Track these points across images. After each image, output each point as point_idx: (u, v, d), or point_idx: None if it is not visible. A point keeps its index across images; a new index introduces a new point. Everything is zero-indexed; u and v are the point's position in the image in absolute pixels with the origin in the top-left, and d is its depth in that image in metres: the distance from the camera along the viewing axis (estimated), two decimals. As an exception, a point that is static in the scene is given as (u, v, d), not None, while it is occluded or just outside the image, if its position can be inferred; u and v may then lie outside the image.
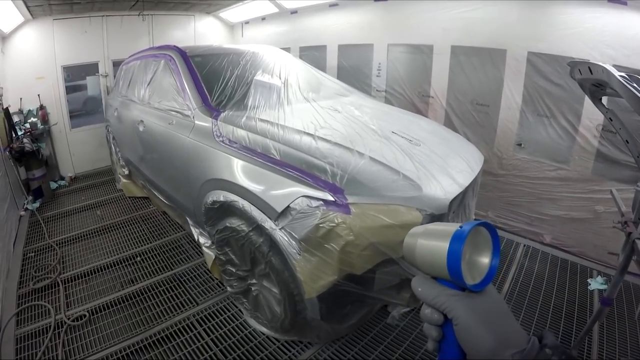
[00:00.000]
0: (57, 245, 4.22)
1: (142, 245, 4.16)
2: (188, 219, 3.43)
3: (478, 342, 0.62)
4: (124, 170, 5.22)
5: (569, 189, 3.88)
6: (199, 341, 2.82)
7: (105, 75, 6.87)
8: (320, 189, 2.13)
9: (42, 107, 6.20)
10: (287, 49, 5.99)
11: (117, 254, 4.00)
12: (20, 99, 5.99)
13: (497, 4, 4.06)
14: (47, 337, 2.88)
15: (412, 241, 0.73)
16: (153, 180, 4.07)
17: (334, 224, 2.01)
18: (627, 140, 2.12)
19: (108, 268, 3.77)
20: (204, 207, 2.83)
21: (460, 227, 0.66)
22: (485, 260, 0.71)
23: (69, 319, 3.05)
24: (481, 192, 3.58)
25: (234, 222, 2.58)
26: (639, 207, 2.09)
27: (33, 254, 4.12)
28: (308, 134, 2.60)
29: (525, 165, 4.15)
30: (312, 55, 6.37)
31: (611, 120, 2.20)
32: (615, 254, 2.80)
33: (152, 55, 4.23)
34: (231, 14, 7.81)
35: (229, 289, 3.03)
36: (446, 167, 2.52)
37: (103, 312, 3.16)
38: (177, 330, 2.93)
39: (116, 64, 6.53)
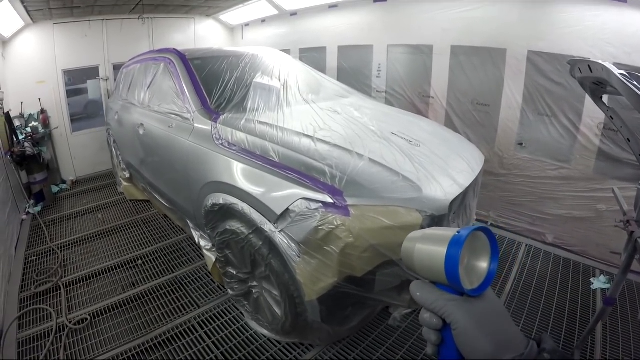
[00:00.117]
0: (58, 248, 4.23)
1: (143, 248, 4.16)
2: (189, 221, 3.43)
3: (477, 347, 0.62)
4: (125, 173, 5.23)
5: (570, 188, 3.86)
6: (201, 344, 2.81)
7: (106, 79, 6.88)
8: (319, 191, 2.13)
9: (43, 111, 6.21)
10: (287, 51, 6.01)
11: (119, 257, 4.00)
12: (21, 103, 6.00)
13: (497, 4, 4.05)
14: (49, 340, 2.88)
15: (411, 246, 0.73)
16: (154, 183, 4.08)
17: (333, 226, 2.01)
18: (628, 139, 2.11)
19: (109, 271, 3.78)
20: (204, 210, 2.83)
21: (458, 232, 0.66)
22: (483, 265, 0.71)
23: (70, 322, 3.06)
24: (482, 192, 3.57)
25: (234, 225, 2.58)
26: (641, 205, 2.08)
27: (35, 257, 4.12)
28: (307, 136, 2.60)
29: (526, 164, 4.13)
30: (312, 56, 6.37)
31: (612, 118, 2.18)
32: (617, 253, 2.79)
33: (152, 59, 4.23)
34: (231, 16, 7.81)
35: (229, 291, 3.03)
36: (446, 168, 2.51)
37: (105, 316, 3.16)
38: (178, 333, 2.92)
39: (116, 68, 6.54)
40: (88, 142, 6.88)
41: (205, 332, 2.92)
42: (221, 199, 2.61)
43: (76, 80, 6.95)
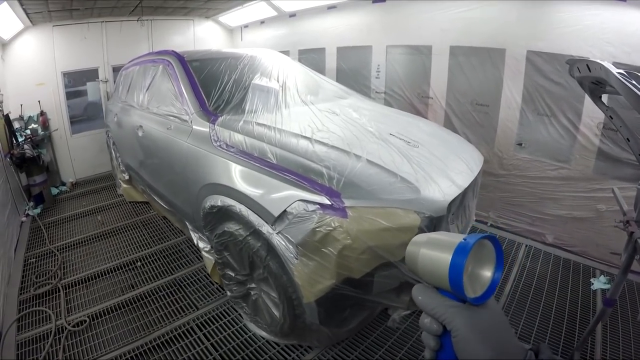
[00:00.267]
0: (58, 250, 4.23)
1: (142, 250, 4.16)
2: (187, 223, 3.43)
3: (475, 355, 0.62)
4: (124, 175, 5.23)
5: (570, 188, 3.85)
6: (199, 345, 2.81)
7: (105, 81, 6.89)
8: (316, 192, 2.12)
9: (42, 113, 6.22)
10: (286, 52, 6.02)
11: (118, 259, 4.00)
12: (21, 105, 6.01)
13: (496, 4, 4.04)
14: (48, 342, 2.88)
15: (415, 250, 0.72)
16: (153, 185, 4.07)
17: (330, 228, 2.00)
18: (628, 138, 2.10)
19: (108, 273, 3.78)
20: (203, 212, 2.82)
21: (465, 239, 0.65)
22: (487, 273, 0.70)
23: (69, 324, 3.06)
24: (482, 193, 3.56)
25: (232, 227, 2.58)
26: (641, 205, 2.07)
27: (34, 259, 4.12)
28: (305, 137, 2.59)
29: (526, 164, 4.12)
30: (311, 57, 6.37)
31: (611, 118, 2.17)
32: (617, 254, 2.78)
33: (150, 61, 4.23)
34: (230, 18, 7.81)
35: (228, 293, 3.03)
36: (445, 169, 2.51)
37: (103, 318, 3.16)
38: (177, 335, 2.92)
39: (116, 70, 6.55)
40: (87, 144, 6.89)
41: (204, 334, 2.92)
42: (219, 200, 2.60)
43: (76, 83, 6.97)
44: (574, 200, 3.83)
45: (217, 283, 3.41)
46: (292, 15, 6.73)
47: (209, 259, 3.14)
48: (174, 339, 2.89)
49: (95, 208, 5.43)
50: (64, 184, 6.48)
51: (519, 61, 3.96)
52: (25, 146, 5.36)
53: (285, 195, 2.20)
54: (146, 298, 3.37)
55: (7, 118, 5.29)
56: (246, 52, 3.96)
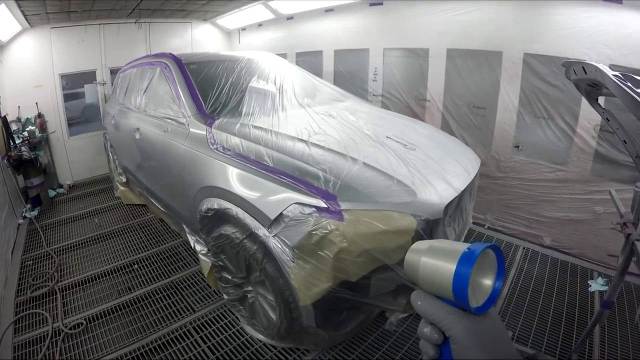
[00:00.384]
0: (55, 253, 4.22)
1: (139, 253, 4.15)
2: (184, 226, 3.42)
3: None
4: (121, 177, 5.21)
5: (567, 191, 3.85)
6: (196, 348, 2.80)
7: (103, 83, 6.89)
8: (313, 195, 2.12)
9: (40, 115, 6.22)
10: (284, 55, 6.01)
11: (115, 262, 3.99)
12: (18, 107, 6.02)
13: (492, 6, 4.05)
14: (44, 345, 2.87)
15: (415, 258, 0.70)
16: (150, 187, 4.07)
17: (327, 231, 2.00)
18: (624, 141, 2.10)
19: (105, 276, 3.77)
20: (199, 215, 2.82)
21: (469, 248, 0.64)
22: (487, 282, 0.69)
23: (66, 327, 3.05)
24: (479, 195, 3.56)
25: (229, 230, 2.57)
26: (638, 207, 2.06)
27: (31, 262, 4.11)
28: (301, 140, 2.59)
29: (523, 167, 4.13)
30: (309, 60, 6.37)
31: (608, 120, 2.18)
32: (614, 256, 2.78)
33: (148, 63, 4.23)
34: (228, 20, 7.83)
35: (225, 296, 3.02)
36: (442, 172, 2.51)
37: (100, 320, 3.15)
38: (174, 338, 2.91)
39: (113, 72, 6.53)
40: (85, 147, 6.88)
41: (201, 337, 2.91)
42: (216, 203, 2.60)
43: (73, 85, 6.98)
44: (571, 203, 3.84)
45: (213, 286, 3.40)
46: (290, 18, 6.74)
47: (206, 262, 3.13)
48: (170, 341, 2.88)
49: (93, 210, 5.42)
50: (61, 187, 6.47)
51: (516, 64, 3.97)
52: (23, 148, 5.35)
53: (281, 198, 2.19)
54: (143, 301, 3.36)
55: (4, 120, 5.29)
56: (243, 54, 3.96)
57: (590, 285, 3.39)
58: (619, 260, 2.14)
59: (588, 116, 3.55)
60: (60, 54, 6.33)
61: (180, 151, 3.09)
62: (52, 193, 6.09)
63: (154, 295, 3.42)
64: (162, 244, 4.32)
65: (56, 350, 2.83)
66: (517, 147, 4.13)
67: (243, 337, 2.88)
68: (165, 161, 3.41)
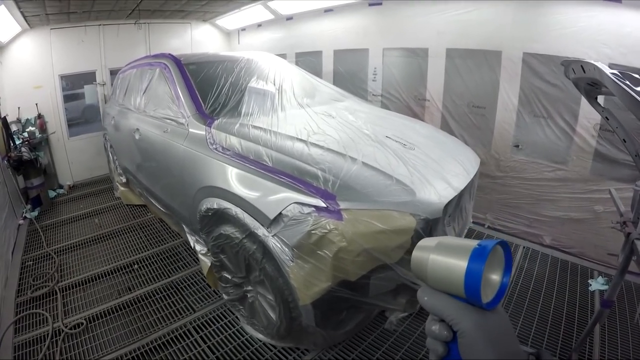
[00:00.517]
0: (55, 253, 4.22)
1: (139, 253, 4.15)
2: (184, 226, 3.42)
3: (481, 358, 0.61)
4: (121, 178, 5.22)
5: (567, 190, 3.85)
6: (196, 348, 2.80)
7: (103, 84, 6.90)
8: (312, 195, 2.12)
9: (40, 116, 6.23)
10: (283, 55, 6.01)
11: (115, 262, 3.99)
12: (18, 108, 6.03)
13: (492, 6, 4.05)
14: (44, 345, 2.87)
15: (423, 256, 0.69)
16: (150, 188, 4.07)
17: (326, 231, 2.00)
18: (624, 139, 2.10)
19: (105, 276, 3.77)
20: (199, 215, 2.82)
21: (479, 244, 0.63)
22: (495, 277, 0.69)
23: (66, 327, 3.05)
24: (479, 195, 3.56)
25: (228, 230, 2.57)
26: (638, 206, 2.06)
27: (31, 262, 4.12)
28: (301, 140, 2.59)
29: (523, 166, 4.12)
30: (308, 60, 6.36)
31: (607, 119, 2.18)
32: (614, 255, 2.77)
33: (147, 64, 4.23)
34: (227, 21, 7.83)
35: (225, 296, 3.02)
36: (441, 171, 2.51)
37: (101, 320, 3.15)
38: (174, 338, 2.92)
39: (113, 73, 6.53)
40: (85, 147, 6.89)
41: (201, 337, 2.91)
42: (215, 203, 2.60)
43: (73, 86, 6.99)
44: (571, 202, 3.84)
45: (212, 286, 3.40)
46: (289, 18, 6.74)
47: (205, 261, 3.13)
48: (171, 341, 2.88)
49: (93, 211, 5.43)
50: (61, 187, 6.48)
51: (515, 63, 3.96)
52: (23, 149, 5.37)
53: (280, 198, 2.19)
54: (143, 301, 3.36)
55: (4, 121, 5.29)
56: (243, 55, 3.96)
57: (591, 285, 3.39)
58: (619, 259, 2.14)
59: (588, 115, 3.55)
60: (60, 55, 6.33)
61: (180, 151, 3.10)
62: (52, 194, 6.09)
63: (154, 295, 3.42)
64: (162, 244, 4.33)
65: (56, 350, 2.83)
66: (517, 146, 4.13)
67: (243, 336, 2.88)
68: (164, 161, 3.41)
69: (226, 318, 3.09)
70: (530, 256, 3.85)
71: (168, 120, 3.38)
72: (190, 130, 3.08)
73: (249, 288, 2.77)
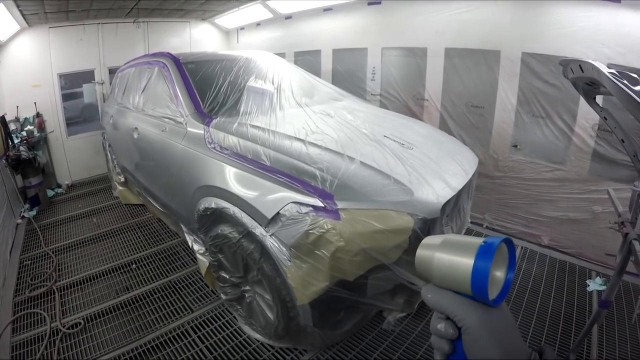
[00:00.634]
0: (53, 252, 4.21)
1: (137, 253, 4.15)
2: (182, 226, 3.41)
3: (485, 355, 0.62)
4: (120, 177, 5.21)
5: (565, 190, 3.85)
6: (194, 348, 2.80)
7: (101, 83, 6.89)
8: (309, 194, 2.12)
9: (38, 115, 6.21)
10: (282, 54, 6.01)
11: (113, 262, 3.98)
12: (17, 107, 6.02)
13: (490, 6, 4.05)
14: (42, 344, 2.87)
15: (428, 254, 0.69)
16: (148, 187, 4.06)
17: (323, 230, 1.99)
18: (622, 140, 2.10)
19: (104, 275, 3.76)
20: (197, 214, 2.82)
21: (485, 241, 0.64)
22: (498, 273, 0.69)
23: (64, 326, 3.04)
24: (477, 195, 3.56)
25: (226, 229, 2.57)
26: (636, 206, 2.06)
27: (29, 261, 4.11)
28: (299, 139, 2.59)
29: (521, 166, 4.12)
30: (307, 60, 6.37)
31: (606, 119, 2.18)
32: (612, 255, 2.78)
33: (146, 63, 4.22)
34: (226, 20, 7.82)
35: (223, 295, 3.02)
36: (439, 171, 2.50)
37: (98, 320, 3.15)
38: (172, 338, 2.91)
39: (112, 72, 6.53)
40: (83, 146, 6.88)
41: (199, 336, 2.91)
42: (213, 202, 2.60)
43: (72, 84, 6.97)
44: (570, 202, 3.84)
45: (211, 286, 3.39)
46: (288, 17, 6.74)
47: (203, 261, 3.13)
48: (168, 341, 2.88)
49: (91, 210, 5.42)
50: (59, 186, 6.46)
51: (514, 63, 3.97)
52: (21, 148, 5.36)
53: (278, 197, 2.19)
54: (141, 300, 3.36)
55: (2, 120, 5.28)
56: (241, 54, 3.96)
57: (589, 285, 3.39)
58: (617, 260, 2.14)
59: (586, 115, 3.55)
60: (59, 54, 6.32)
61: (178, 150, 3.09)
62: (50, 193, 6.08)
63: (152, 295, 3.42)
64: (160, 244, 4.32)
65: (54, 349, 2.82)
66: (516, 146, 4.13)
67: (240, 336, 2.88)
68: (163, 161, 3.41)
69: (224, 318, 3.08)
70: (529, 256, 3.85)
71: (166, 119, 3.37)
72: (189, 129, 3.07)
73: (247, 288, 2.77)
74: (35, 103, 6.18)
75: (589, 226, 3.76)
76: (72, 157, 6.75)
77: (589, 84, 2.13)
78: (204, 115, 3.11)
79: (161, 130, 3.42)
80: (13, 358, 2.79)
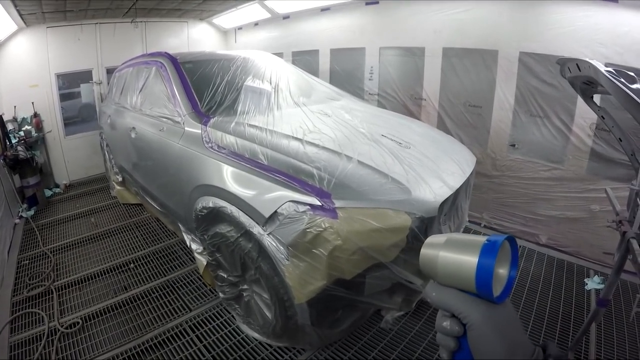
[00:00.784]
0: (51, 252, 4.21)
1: (135, 252, 4.14)
2: (180, 225, 3.41)
3: (490, 351, 0.63)
4: (117, 177, 5.21)
5: (563, 189, 3.86)
6: (192, 347, 2.80)
7: (99, 83, 6.88)
8: (307, 193, 2.12)
9: (36, 115, 6.20)
10: (280, 54, 6.01)
11: (111, 261, 3.98)
12: (14, 106, 6.00)
13: (488, 5, 4.06)
14: (40, 344, 2.87)
15: (433, 253, 0.70)
16: (146, 187, 4.06)
17: (321, 229, 1.99)
18: (620, 138, 2.11)
19: (102, 275, 3.76)
20: (195, 214, 2.81)
21: (488, 240, 0.65)
22: (501, 271, 0.70)
23: (62, 326, 3.04)
24: (475, 194, 3.57)
25: (224, 228, 2.57)
26: (634, 205, 2.07)
27: (27, 261, 4.10)
28: (296, 138, 2.60)
29: (519, 165, 4.13)
30: (305, 59, 6.38)
31: (603, 118, 2.18)
32: (610, 254, 2.78)
33: (144, 62, 4.22)
34: (224, 20, 7.82)
35: (221, 294, 3.02)
36: (436, 170, 2.51)
37: (97, 319, 3.14)
38: (170, 337, 2.91)
39: (110, 71, 6.52)
40: (81, 146, 6.87)
41: (197, 336, 2.90)
42: (211, 202, 2.60)
43: (69, 84, 6.97)
44: (567, 201, 3.85)
45: (210, 284, 3.40)
46: (286, 17, 6.74)
47: (201, 260, 3.13)
48: (167, 340, 2.87)
49: (89, 210, 5.41)
50: (57, 186, 6.44)
51: (512, 62, 3.97)
52: (19, 148, 5.36)
53: (276, 196, 2.19)
54: (139, 300, 3.35)
55: (0, 119, 5.26)
56: (239, 54, 3.96)
57: (587, 284, 3.39)
58: (615, 258, 2.14)
59: (584, 114, 3.56)
60: (56, 54, 6.31)
61: (176, 150, 3.09)
62: (48, 193, 6.07)
63: (150, 294, 3.41)
64: (158, 243, 4.31)
65: (52, 349, 2.82)
66: (513, 145, 4.14)
67: (238, 335, 2.87)
68: (160, 160, 3.41)
69: (222, 317, 3.08)
70: (527, 255, 3.85)
71: (164, 119, 3.37)
72: (186, 128, 3.07)
73: (245, 287, 2.77)
74: (32, 103, 6.16)
75: (586, 225, 3.77)
76: (69, 157, 6.74)
77: (586, 83, 2.14)
78: (202, 114, 3.11)
79: (159, 130, 3.42)
80: (11, 358, 2.79)
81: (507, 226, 4.33)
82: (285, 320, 2.38)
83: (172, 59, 3.66)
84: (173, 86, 3.39)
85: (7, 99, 5.91)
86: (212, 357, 2.70)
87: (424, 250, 0.72)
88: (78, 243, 4.45)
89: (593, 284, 3.37)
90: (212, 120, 2.98)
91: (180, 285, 3.52)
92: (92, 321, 3.13)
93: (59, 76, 6.51)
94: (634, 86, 1.59)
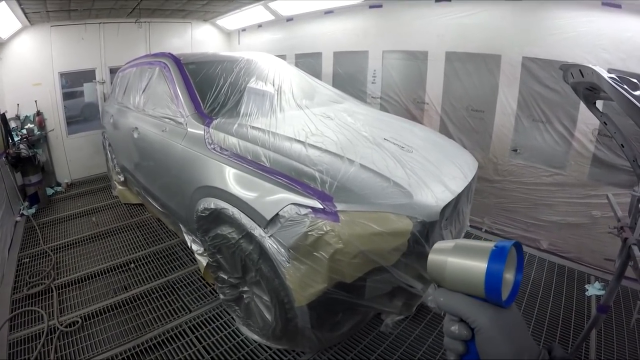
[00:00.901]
0: (51, 251, 4.21)
1: (136, 252, 4.14)
2: (181, 226, 3.41)
3: (498, 353, 0.63)
4: (119, 177, 5.22)
5: (565, 194, 3.86)
6: (192, 348, 2.79)
7: (102, 82, 6.89)
8: (309, 196, 2.12)
9: (39, 113, 6.22)
10: (283, 56, 6.00)
11: (112, 261, 3.98)
12: (18, 104, 6.02)
13: (491, 10, 4.06)
14: (39, 342, 2.86)
15: (441, 259, 0.71)
16: (147, 187, 4.06)
17: (322, 232, 1.99)
18: (622, 145, 2.10)
19: (102, 274, 3.76)
20: (196, 215, 2.81)
21: (496, 245, 0.66)
22: (507, 275, 0.70)
23: (62, 325, 3.04)
24: (477, 199, 3.56)
25: (225, 230, 2.57)
26: (635, 211, 2.06)
27: (27, 259, 4.11)
28: (299, 141, 2.59)
29: (521, 170, 4.13)
30: (308, 62, 6.38)
31: (606, 124, 2.18)
32: (611, 260, 2.77)
33: (147, 63, 4.23)
34: (228, 21, 7.84)
35: (221, 296, 3.01)
36: (438, 174, 2.51)
37: (96, 319, 3.14)
38: (170, 337, 2.90)
39: (113, 71, 6.54)
40: (83, 145, 6.89)
41: (196, 337, 2.90)
42: (212, 203, 2.60)
43: (73, 83, 6.98)
44: (569, 207, 3.84)
45: (210, 285, 3.40)
46: (290, 19, 6.75)
47: (202, 261, 3.13)
48: (166, 341, 2.87)
49: (90, 209, 5.42)
50: (59, 185, 6.46)
51: (515, 67, 3.97)
52: (21, 146, 5.37)
53: (277, 199, 2.19)
54: (139, 300, 3.35)
55: (3, 117, 5.27)
56: (242, 55, 3.96)
57: (587, 290, 3.38)
58: (616, 265, 2.14)
59: (586, 120, 3.56)
60: (60, 53, 6.33)
61: (178, 151, 3.09)
62: (50, 191, 6.08)
63: (150, 295, 3.41)
64: (159, 244, 4.32)
65: (51, 348, 2.82)
66: (515, 150, 4.14)
67: (238, 337, 2.87)
68: (162, 161, 3.41)
69: (222, 318, 3.08)
70: (527, 261, 3.83)
71: (167, 120, 3.37)
72: (189, 129, 3.08)
73: (245, 289, 2.77)
74: (35, 101, 6.19)
75: (588, 231, 3.76)
76: (72, 156, 6.76)
77: (589, 88, 2.14)
78: (204, 116, 3.11)
79: (161, 131, 3.42)
80: (10, 356, 2.79)
81: (508, 231, 4.32)
82: (285, 322, 2.37)
83: (176, 60, 3.67)
84: (176, 87, 3.40)
85: (10, 97, 5.93)
86: (212, 359, 2.69)
87: (432, 256, 0.73)
88: (79, 242, 4.45)
89: (594, 290, 3.36)
90: (214, 122, 2.98)
91: (181, 286, 3.51)
92: (92, 320, 3.13)
93: (62, 75, 6.52)
94: (637, 93, 1.59)
